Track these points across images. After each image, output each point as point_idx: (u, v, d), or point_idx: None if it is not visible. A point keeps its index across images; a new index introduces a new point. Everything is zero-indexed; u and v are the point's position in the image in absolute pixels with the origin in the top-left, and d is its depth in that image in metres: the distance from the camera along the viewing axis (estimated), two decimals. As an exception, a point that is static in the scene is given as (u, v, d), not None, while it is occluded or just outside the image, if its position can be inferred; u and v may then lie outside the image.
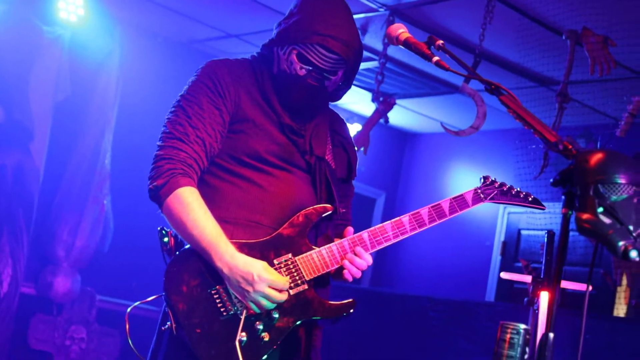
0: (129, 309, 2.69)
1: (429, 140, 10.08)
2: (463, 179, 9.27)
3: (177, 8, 7.35)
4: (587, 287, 2.17)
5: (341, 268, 2.70)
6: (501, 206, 8.92)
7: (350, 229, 2.76)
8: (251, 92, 2.75)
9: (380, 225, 2.75)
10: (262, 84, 2.76)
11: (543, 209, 2.91)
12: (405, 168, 10.23)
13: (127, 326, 2.68)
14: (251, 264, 2.52)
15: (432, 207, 2.80)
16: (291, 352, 2.70)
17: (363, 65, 7.45)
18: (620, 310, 6.73)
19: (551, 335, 1.98)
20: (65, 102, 7.23)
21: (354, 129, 8.52)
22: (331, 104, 3.00)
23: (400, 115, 9.23)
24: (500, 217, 9.01)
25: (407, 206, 9.62)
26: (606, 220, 1.89)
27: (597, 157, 1.94)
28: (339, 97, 2.93)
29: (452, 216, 2.82)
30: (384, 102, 7.16)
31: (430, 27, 6.69)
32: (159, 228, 2.68)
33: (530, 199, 2.92)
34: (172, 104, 2.74)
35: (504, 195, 2.91)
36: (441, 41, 2.51)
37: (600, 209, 1.89)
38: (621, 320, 6.29)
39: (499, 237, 8.99)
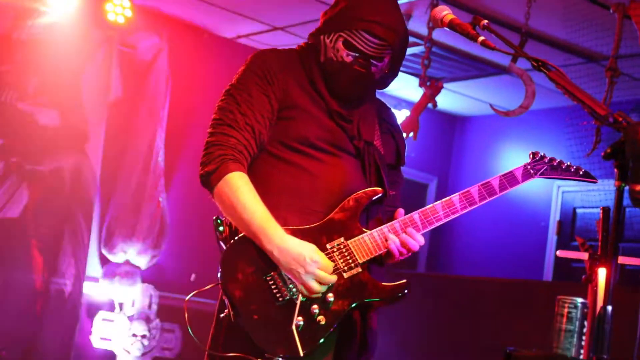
0: (187, 298, 2.72)
1: (478, 123, 10.01)
2: (514, 160, 9.19)
3: (222, 3, 7.40)
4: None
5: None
6: (555, 185, 8.83)
7: (401, 210, 2.76)
8: (299, 80, 2.77)
9: (431, 205, 2.75)
10: (310, 72, 2.78)
11: (595, 182, 2.87)
12: (456, 152, 10.17)
13: (186, 315, 2.71)
14: (302, 245, 2.55)
15: (482, 185, 2.79)
16: (348, 335, 2.71)
17: (409, 50, 7.38)
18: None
19: (609, 308, 1.97)
20: (117, 103, 7.33)
21: (402, 114, 8.49)
22: (379, 91, 3.01)
23: (449, 99, 9.18)
24: (555, 196, 8.92)
25: (460, 190, 9.56)
26: (660, 190, 1.87)
27: (648, 127, 1.92)
28: (386, 85, 2.94)
29: (502, 193, 2.79)
30: (432, 87, 7.13)
31: (474, 9, 6.64)
32: (214, 217, 2.71)
33: (581, 172, 2.89)
34: (222, 94, 2.77)
35: (554, 170, 2.88)
36: (486, 21, 2.51)
37: (655, 180, 1.88)
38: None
39: (554, 216, 8.90)
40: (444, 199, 2.75)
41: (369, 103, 2.88)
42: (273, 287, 2.59)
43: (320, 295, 2.58)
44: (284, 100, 2.73)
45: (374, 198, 2.71)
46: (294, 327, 2.54)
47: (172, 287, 7.42)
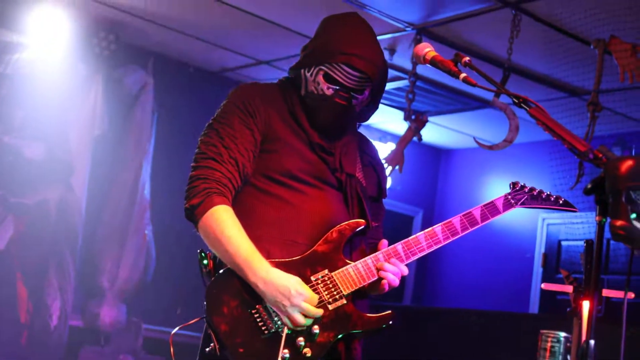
0: (172, 332, 2.73)
1: (463, 156, 10.07)
2: (499, 192, 9.10)
3: (207, 38, 7.44)
4: (625, 294, 2.17)
5: (377, 281, 2.71)
6: (540, 218, 8.87)
7: (384, 241, 2.78)
8: (281, 113, 2.79)
9: (414, 236, 2.77)
10: (292, 106, 2.81)
11: (575, 211, 2.91)
12: (441, 184, 10.21)
13: (172, 349, 2.72)
14: (286, 278, 2.56)
15: (463, 215, 2.82)
16: None
17: (394, 85, 7.47)
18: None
19: (592, 342, 1.99)
20: (103, 136, 7.33)
21: (387, 147, 8.53)
22: (365, 123, 3.04)
23: (433, 132, 9.23)
24: (540, 228, 8.96)
25: (445, 222, 9.58)
26: (640, 226, 1.89)
27: (627, 163, 1.95)
28: (367, 118, 2.97)
29: (483, 223, 2.83)
30: (416, 120, 7.17)
31: (458, 44, 6.71)
32: (198, 250, 2.72)
33: (561, 201, 2.93)
34: (205, 127, 2.79)
35: (535, 199, 2.92)
36: (467, 58, 2.54)
37: (634, 215, 1.90)
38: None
39: (540, 248, 8.93)
40: (426, 230, 2.78)
41: (351, 136, 2.90)
42: (258, 319, 2.59)
43: (305, 327, 2.59)
44: (266, 133, 2.75)
45: (357, 230, 2.73)
46: None
47: (158, 320, 7.39)
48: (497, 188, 9.37)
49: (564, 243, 8.74)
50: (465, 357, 6.10)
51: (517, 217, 8.89)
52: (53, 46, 6.90)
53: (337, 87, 2.75)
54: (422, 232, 2.78)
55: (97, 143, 7.29)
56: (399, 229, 9.48)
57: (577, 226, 7.95)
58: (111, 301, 7.12)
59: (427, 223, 9.91)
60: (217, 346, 2.57)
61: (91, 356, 6.91)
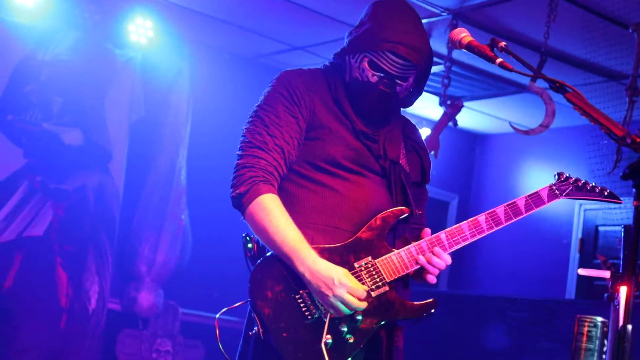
0: (217, 315, 2.74)
1: (499, 141, 10.03)
2: (535, 178, 9.18)
3: (242, 24, 7.47)
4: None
5: (420, 270, 2.73)
6: (577, 203, 8.82)
7: (427, 230, 2.79)
8: (325, 100, 2.80)
9: (457, 225, 2.77)
10: (335, 92, 2.81)
11: (620, 203, 2.89)
12: (476, 170, 10.18)
13: (217, 331, 2.74)
14: (333, 269, 2.57)
15: (507, 205, 2.81)
16: (374, 353, 2.74)
17: (429, 70, 7.44)
18: None
19: (629, 327, 1.99)
20: (140, 122, 7.38)
21: (423, 133, 8.52)
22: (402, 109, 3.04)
23: (469, 118, 9.21)
24: (577, 214, 8.91)
25: (480, 208, 9.56)
26: (678, 210, 1.89)
27: (666, 148, 1.95)
28: (411, 103, 2.97)
29: (528, 214, 2.81)
30: (452, 105, 7.16)
31: (494, 29, 6.68)
32: (243, 235, 2.74)
33: (606, 193, 2.91)
34: (249, 114, 2.80)
35: (579, 190, 2.89)
36: (504, 42, 2.53)
37: (672, 200, 1.90)
38: None
39: (576, 234, 8.89)
40: (470, 219, 2.78)
41: (394, 121, 2.91)
42: (302, 305, 2.62)
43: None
44: (311, 121, 2.76)
45: (400, 217, 2.74)
46: (322, 345, 2.57)
47: (194, 304, 7.46)
48: (533, 174, 9.33)
49: (601, 228, 8.69)
50: (502, 344, 6.10)
51: (554, 203, 8.83)
52: (91, 33, 6.95)
53: (382, 75, 2.75)
54: (466, 221, 2.78)
55: (134, 129, 7.34)
56: (434, 214, 9.46)
57: (615, 211, 7.90)
58: (149, 285, 7.19)
59: (462, 209, 9.89)
60: (260, 330, 2.60)
61: (129, 340, 6.99)
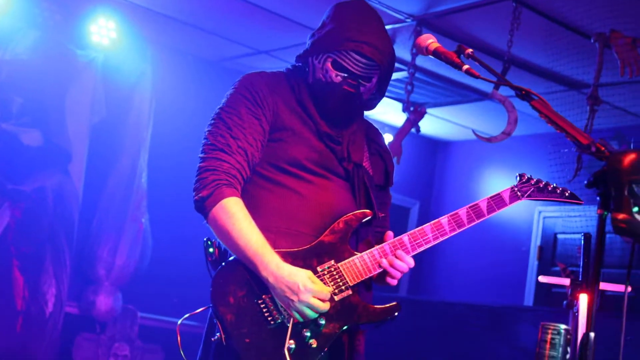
0: (179, 322, 2.71)
1: (461, 148, 10.08)
2: (496, 185, 9.24)
3: (206, 27, 7.43)
4: (626, 287, 2.17)
5: (383, 273, 2.72)
6: (536, 211, 8.89)
7: (390, 233, 2.77)
8: (288, 102, 2.78)
9: (420, 227, 2.76)
10: (299, 94, 2.80)
11: (581, 204, 2.88)
12: (438, 176, 10.22)
13: (179, 337, 2.71)
14: (296, 273, 2.55)
15: (470, 207, 2.81)
16: (336, 357, 2.72)
17: (393, 76, 7.45)
18: (660, 310, 6.68)
19: (592, 334, 2.00)
20: (101, 124, 7.33)
21: (386, 139, 8.52)
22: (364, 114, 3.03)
23: (432, 124, 9.24)
24: (536, 221, 8.97)
25: (441, 214, 9.52)
26: (642, 219, 1.90)
27: (630, 157, 1.95)
28: (373, 106, 2.96)
29: (490, 215, 2.81)
30: (415, 112, 7.18)
31: (458, 36, 6.70)
32: (204, 239, 2.71)
33: (567, 194, 2.91)
34: (212, 117, 2.76)
35: (541, 192, 2.89)
36: (470, 49, 2.53)
37: (636, 209, 1.90)
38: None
39: (535, 241, 8.96)
40: (432, 222, 2.77)
41: (358, 124, 2.89)
42: (265, 310, 2.59)
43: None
44: (274, 123, 2.74)
45: (363, 220, 2.73)
46: (285, 351, 2.55)
47: (154, 308, 7.40)
48: (494, 181, 9.39)
49: (560, 236, 8.76)
50: (462, 350, 6.12)
51: (514, 209, 8.88)
52: (52, 33, 6.88)
53: (346, 75, 2.74)
54: (429, 223, 2.77)
55: (95, 130, 7.28)
56: (395, 220, 9.41)
57: (574, 219, 7.98)
58: (107, 289, 7.13)
59: (423, 215, 9.92)
60: (223, 336, 2.57)
61: (86, 343, 6.92)
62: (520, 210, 8.88)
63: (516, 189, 2.87)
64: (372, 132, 3.01)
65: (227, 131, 2.69)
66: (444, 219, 2.77)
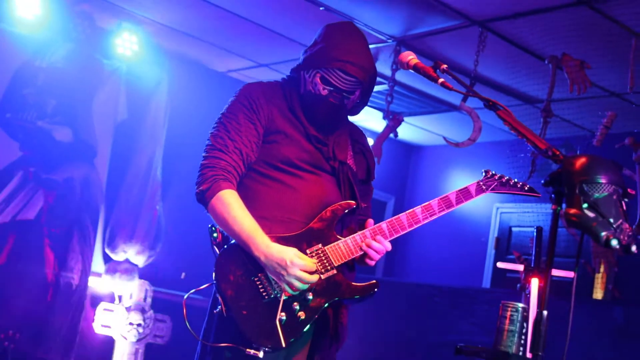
0: (185, 296, 2.71)
1: (431, 152, 10.08)
2: (461, 183, 9.16)
3: (215, 42, 7.40)
4: (575, 272, 2.17)
5: (364, 255, 2.70)
6: (494, 207, 8.89)
7: (370, 220, 2.76)
8: (282, 109, 2.77)
9: (397, 216, 2.75)
10: (291, 102, 2.79)
11: (538, 196, 2.84)
12: (411, 175, 10.22)
13: (185, 310, 2.69)
14: (284, 251, 2.54)
15: (441, 198, 2.79)
16: (322, 328, 2.72)
17: (375, 88, 7.43)
18: (599, 294, 6.70)
19: (545, 312, 1.99)
20: (123, 124, 7.29)
21: (368, 142, 8.50)
22: (350, 120, 3.02)
23: (407, 131, 9.24)
24: (494, 215, 8.98)
25: (413, 207, 9.58)
26: (590, 214, 1.90)
27: (581, 160, 1.95)
28: (357, 112, 2.95)
29: (458, 205, 2.79)
30: (393, 119, 7.16)
31: (432, 55, 6.70)
32: (209, 225, 2.70)
33: (526, 188, 2.89)
34: (215, 121, 2.76)
35: (503, 186, 2.87)
36: (445, 65, 2.53)
37: (585, 205, 1.90)
38: (599, 302, 6.25)
39: (493, 233, 8.96)
40: (408, 211, 2.75)
41: (343, 127, 2.88)
42: (260, 286, 2.58)
43: (301, 293, 2.58)
44: (268, 126, 2.73)
45: (347, 209, 2.71)
46: (277, 322, 2.54)
47: (165, 283, 7.38)
48: (459, 180, 9.39)
49: (514, 229, 8.77)
50: (428, 325, 6.12)
51: (474, 205, 8.91)
52: (83, 45, 6.85)
53: (332, 89, 2.73)
54: (404, 212, 2.76)
55: (118, 130, 7.25)
56: (374, 212, 9.37)
57: (527, 214, 7.98)
58: (125, 265, 7.10)
59: (398, 208, 9.92)
60: (224, 308, 2.56)
61: (106, 312, 6.87)
62: (480, 206, 8.89)
63: (482, 183, 2.86)
64: (356, 134, 2.99)
65: (225, 134, 2.69)
66: (417, 209, 2.76)
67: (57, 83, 6.79)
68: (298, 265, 2.52)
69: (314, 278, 2.56)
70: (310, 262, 2.57)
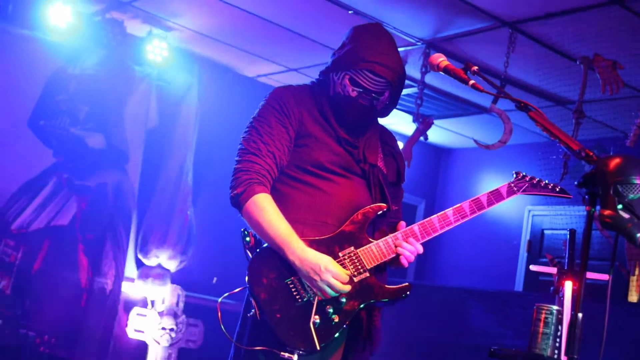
0: (220, 299, 2.72)
1: (462, 154, 10.03)
2: (492, 186, 9.12)
3: (244, 47, 7.43)
4: (610, 275, 2.15)
5: (396, 258, 2.69)
6: (526, 209, 8.82)
7: (402, 223, 2.76)
8: (312, 112, 2.77)
9: (429, 218, 2.74)
10: (321, 105, 2.79)
11: (570, 197, 2.81)
12: (441, 178, 10.17)
13: (220, 314, 2.70)
14: (319, 257, 2.54)
15: (472, 200, 2.78)
16: (356, 331, 2.72)
17: (404, 92, 7.43)
18: (634, 296, 6.61)
19: (580, 315, 1.98)
20: (154, 130, 7.35)
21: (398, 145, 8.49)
22: (380, 123, 3.00)
23: (437, 133, 9.20)
24: (526, 219, 8.91)
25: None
26: (625, 215, 1.88)
27: (615, 161, 1.93)
28: (387, 114, 2.94)
29: (489, 207, 2.76)
30: (423, 122, 7.13)
31: (461, 57, 6.67)
32: (242, 229, 2.70)
33: (557, 189, 2.86)
34: (246, 126, 2.77)
35: (534, 187, 2.84)
36: (476, 67, 2.50)
37: (620, 206, 1.88)
38: (634, 305, 6.17)
39: (525, 236, 8.89)
40: (439, 213, 2.74)
41: (373, 130, 2.88)
42: (293, 289, 2.58)
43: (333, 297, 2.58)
44: (299, 130, 2.73)
45: (379, 212, 2.71)
46: (311, 325, 2.54)
47: (197, 287, 7.41)
48: (489, 183, 9.32)
49: (546, 232, 8.69)
50: (460, 329, 6.08)
51: (506, 208, 8.85)
52: (115, 52, 6.92)
53: (361, 90, 2.73)
54: (436, 215, 2.74)
55: (149, 136, 7.30)
56: (404, 216, 9.38)
57: (559, 217, 7.90)
58: (158, 270, 7.14)
59: (428, 211, 9.88)
60: (257, 312, 2.57)
61: (139, 317, 6.92)
62: (512, 209, 8.82)
63: (513, 184, 2.84)
64: (386, 136, 2.99)
65: (258, 138, 2.70)
66: (449, 211, 2.75)
67: (89, 90, 6.87)
68: (331, 272, 2.53)
69: (346, 288, 2.56)
70: (343, 272, 2.57)
